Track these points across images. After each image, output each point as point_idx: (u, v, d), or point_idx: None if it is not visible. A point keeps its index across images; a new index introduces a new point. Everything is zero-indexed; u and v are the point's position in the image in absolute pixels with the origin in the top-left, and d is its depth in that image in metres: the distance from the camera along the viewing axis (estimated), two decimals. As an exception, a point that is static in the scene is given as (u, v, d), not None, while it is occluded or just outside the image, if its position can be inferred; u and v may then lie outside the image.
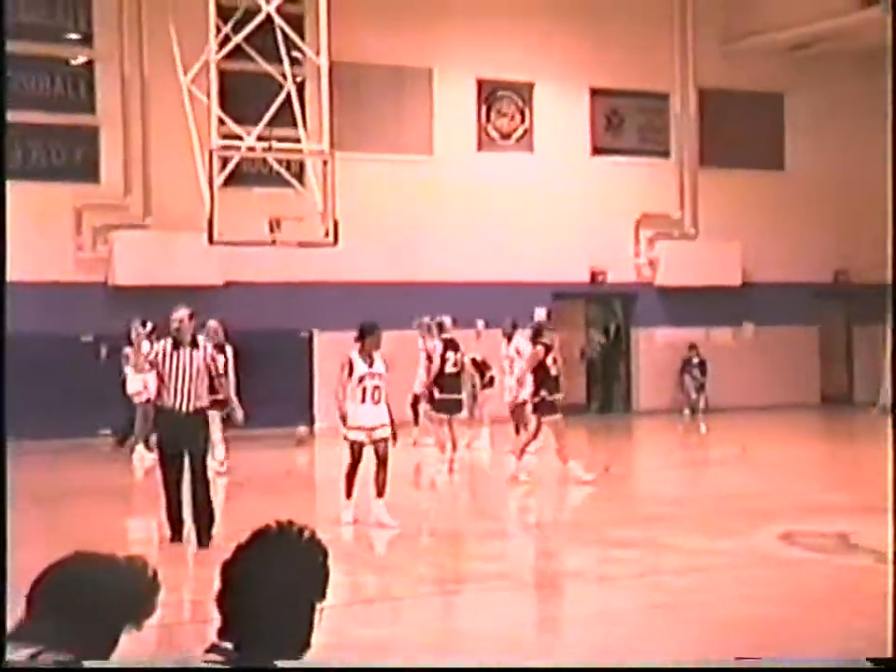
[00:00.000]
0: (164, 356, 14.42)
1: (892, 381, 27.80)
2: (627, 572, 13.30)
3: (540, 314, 30.63)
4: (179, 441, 14.29)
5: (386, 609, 12.10)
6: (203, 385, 14.39)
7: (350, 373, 15.74)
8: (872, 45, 32.30)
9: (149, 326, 22.82)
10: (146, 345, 21.50)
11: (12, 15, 27.23)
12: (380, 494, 15.75)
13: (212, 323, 20.56)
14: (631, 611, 11.80)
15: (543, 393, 19.84)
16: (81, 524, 16.16)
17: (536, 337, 20.53)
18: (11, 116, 24.32)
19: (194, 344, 14.51)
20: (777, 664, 5.31)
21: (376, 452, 15.78)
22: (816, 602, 11.92)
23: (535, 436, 20.22)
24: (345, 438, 15.82)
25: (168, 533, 14.56)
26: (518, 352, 23.86)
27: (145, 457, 22.86)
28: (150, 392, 22.74)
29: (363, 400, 15.73)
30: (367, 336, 15.98)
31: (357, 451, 15.77)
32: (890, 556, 4.70)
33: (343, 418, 15.75)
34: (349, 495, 15.92)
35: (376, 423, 15.85)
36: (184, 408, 14.28)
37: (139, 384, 23.19)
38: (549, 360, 19.95)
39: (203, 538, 14.01)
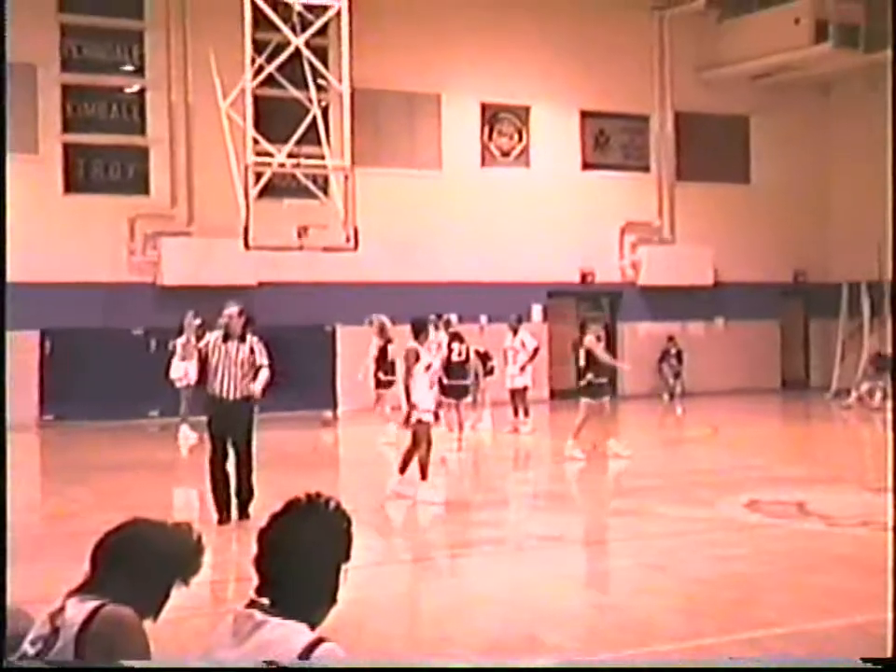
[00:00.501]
0: (214, 347, 14.07)
1: (893, 372, 27.74)
2: (618, 536, 13.33)
3: (537, 310, 30.73)
4: (225, 425, 13.95)
5: (403, 569, 12.10)
6: (249, 375, 13.92)
7: (416, 362, 15.60)
8: (823, 74, 32.81)
9: (198, 320, 22.89)
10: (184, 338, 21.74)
11: (78, 51, 27.46)
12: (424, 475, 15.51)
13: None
14: (623, 569, 11.89)
15: (590, 376, 19.62)
16: (134, 493, 16.19)
17: (583, 329, 20.28)
18: (76, 137, 24.65)
19: (242, 338, 14.09)
20: (777, 664, 5.15)
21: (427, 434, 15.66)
22: (777, 560, 11.96)
23: (586, 418, 19.71)
24: (419, 421, 15.34)
25: (215, 516, 13.94)
26: (523, 344, 23.91)
27: (189, 436, 22.89)
28: (190, 378, 22.81)
29: (430, 386, 15.65)
30: (422, 331, 15.92)
31: (428, 432, 15.53)
32: (890, 553, 4.60)
33: (414, 405, 15.35)
34: (426, 476, 15.51)
35: (435, 407, 15.88)
36: (230, 396, 13.91)
37: (181, 370, 23.21)
38: (598, 350, 19.78)
39: (243, 512, 13.75)
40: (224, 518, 13.96)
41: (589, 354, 19.69)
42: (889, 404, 27.71)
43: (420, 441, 15.52)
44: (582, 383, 19.92)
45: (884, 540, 12.52)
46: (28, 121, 26.90)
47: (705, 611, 9.72)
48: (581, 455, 19.31)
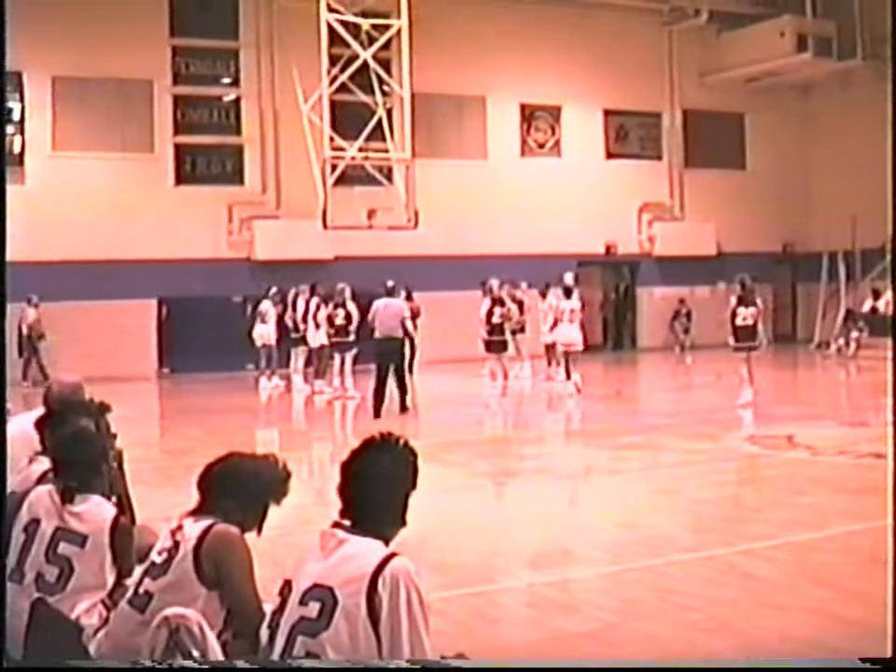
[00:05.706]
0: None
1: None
2: (635, 466, 13.26)
3: (569, 277, 30.52)
4: (381, 357, 17.60)
5: (459, 494, 12.04)
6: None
7: None
8: (804, 78, 32.86)
9: (274, 290, 23.34)
10: (265, 305, 23.59)
11: (186, 67, 27.64)
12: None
13: (339, 286, 21.18)
14: (639, 494, 11.75)
15: (731, 340, 18.70)
16: (236, 432, 16.33)
17: (743, 291, 19.06)
18: (184, 139, 25.06)
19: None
20: (777, 663, 4.89)
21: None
22: (770, 484, 11.96)
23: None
24: None
25: (372, 411, 17.25)
26: (550, 307, 23.49)
27: (267, 387, 22.99)
28: (265, 338, 23.00)
29: None
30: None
31: None
32: (890, 551, 4.51)
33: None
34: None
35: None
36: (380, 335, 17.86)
37: (258, 332, 23.34)
38: (739, 311, 18.74)
39: (404, 407, 17.55)
40: (377, 415, 17.24)
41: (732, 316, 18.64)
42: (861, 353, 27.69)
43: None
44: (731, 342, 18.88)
45: (857, 466, 12.56)
46: (146, 126, 27.11)
47: (709, 528, 9.69)
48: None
